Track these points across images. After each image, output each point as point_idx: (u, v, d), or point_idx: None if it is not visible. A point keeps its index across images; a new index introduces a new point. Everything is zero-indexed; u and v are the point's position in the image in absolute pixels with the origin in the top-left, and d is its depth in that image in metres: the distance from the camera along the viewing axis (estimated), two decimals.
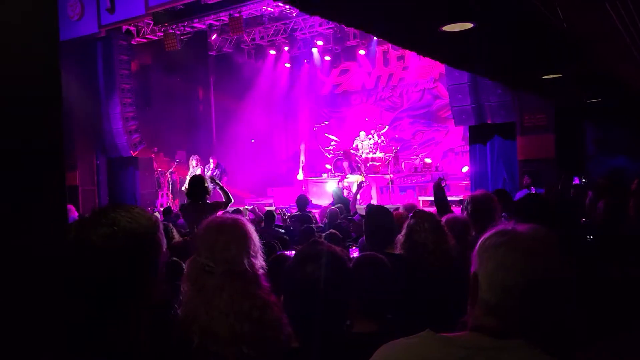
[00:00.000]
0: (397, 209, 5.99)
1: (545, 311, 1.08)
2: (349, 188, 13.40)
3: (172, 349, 1.92)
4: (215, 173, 13.08)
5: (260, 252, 2.14)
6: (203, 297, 1.97)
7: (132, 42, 13.49)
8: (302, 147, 16.86)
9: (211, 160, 13.69)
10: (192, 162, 13.31)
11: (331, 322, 1.83)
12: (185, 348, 1.89)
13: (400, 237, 3.17)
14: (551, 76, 6.77)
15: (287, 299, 1.97)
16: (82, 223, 1.23)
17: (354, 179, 13.64)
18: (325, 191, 13.65)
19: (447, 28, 4.98)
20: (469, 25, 4.93)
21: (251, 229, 2.14)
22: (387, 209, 3.58)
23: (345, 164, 14.45)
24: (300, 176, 16.56)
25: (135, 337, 1.20)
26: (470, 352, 1.04)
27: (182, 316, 1.95)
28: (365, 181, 12.87)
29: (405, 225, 3.18)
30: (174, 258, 3.10)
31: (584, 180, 8.28)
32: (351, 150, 14.80)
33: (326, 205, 9.15)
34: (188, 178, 12.72)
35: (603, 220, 4.17)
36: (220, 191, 5.94)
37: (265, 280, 2.09)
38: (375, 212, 3.52)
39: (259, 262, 2.10)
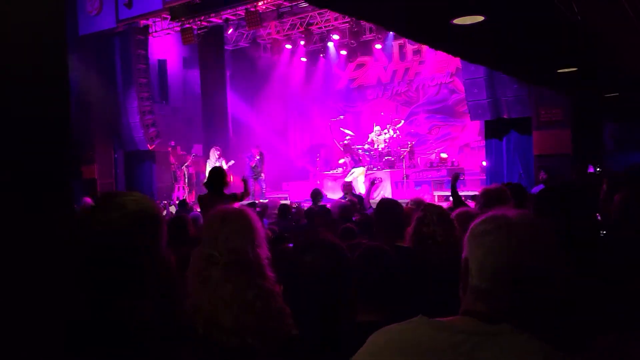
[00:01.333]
0: (406, 204, 6.03)
1: (533, 297, 1.09)
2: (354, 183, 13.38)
3: (177, 338, 1.95)
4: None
5: (265, 242, 2.15)
6: (208, 287, 1.98)
7: (149, 37, 13.63)
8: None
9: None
10: (215, 153, 13.41)
11: (331, 311, 1.87)
12: (189, 337, 1.92)
13: (409, 230, 3.20)
14: (566, 70, 6.68)
15: (286, 288, 2.01)
16: (94, 209, 1.32)
17: (358, 172, 13.56)
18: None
19: (458, 21, 4.95)
20: (480, 18, 4.89)
21: (256, 219, 2.16)
22: (397, 202, 3.63)
23: (347, 159, 14.36)
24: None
25: (143, 313, 1.26)
26: (462, 336, 1.06)
27: (187, 306, 1.97)
28: (377, 178, 12.81)
29: (414, 219, 3.21)
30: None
31: (598, 169, 8.12)
32: (358, 144, 14.72)
33: (337, 199, 9.16)
34: (208, 169, 12.92)
35: (619, 214, 4.10)
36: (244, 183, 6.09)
37: (270, 270, 2.11)
38: (386, 206, 3.58)
39: (264, 252, 2.11)
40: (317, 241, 2.12)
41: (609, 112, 10.30)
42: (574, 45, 5.69)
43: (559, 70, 6.70)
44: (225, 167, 12.84)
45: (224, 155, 13.58)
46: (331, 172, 15.03)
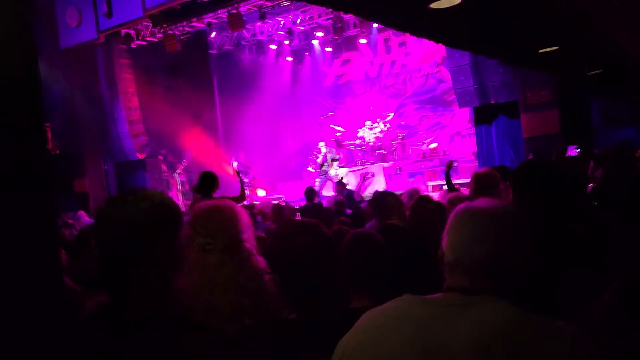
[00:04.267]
0: (400, 194, 6.09)
1: (501, 267, 1.17)
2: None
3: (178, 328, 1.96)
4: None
5: (251, 230, 2.18)
6: (204, 275, 2.00)
7: (132, 46, 13.56)
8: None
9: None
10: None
11: (322, 294, 1.86)
12: (189, 327, 1.93)
13: (408, 206, 3.43)
14: (548, 49, 6.67)
15: (275, 272, 2.01)
16: (116, 201, 1.33)
17: (341, 171, 13.36)
18: (333, 183, 13.62)
19: (435, 5, 4.93)
20: (457, 1, 4.87)
21: (240, 209, 2.20)
22: (390, 192, 3.90)
23: (340, 156, 14.15)
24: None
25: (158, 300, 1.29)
26: (443, 308, 1.14)
27: (185, 298, 2.00)
28: (369, 173, 12.77)
29: (409, 207, 3.35)
30: None
31: (578, 150, 8.17)
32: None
33: (331, 196, 9.17)
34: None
35: (601, 187, 4.16)
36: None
37: (259, 255, 2.13)
38: (380, 193, 3.88)
39: (252, 239, 2.13)
40: (300, 225, 2.14)
41: (595, 89, 10.31)
42: (552, 23, 5.68)
43: (540, 50, 6.69)
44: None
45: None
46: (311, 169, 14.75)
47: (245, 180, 13.05)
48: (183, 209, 9.62)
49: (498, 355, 1.03)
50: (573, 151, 8.13)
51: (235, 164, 13.23)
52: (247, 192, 12.97)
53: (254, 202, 12.37)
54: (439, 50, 14.57)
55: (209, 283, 1.93)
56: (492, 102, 11.22)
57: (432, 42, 11.56)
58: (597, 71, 8.22)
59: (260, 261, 2.07)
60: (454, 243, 1.21)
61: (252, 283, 1.96)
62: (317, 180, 12.67)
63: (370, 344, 1.17)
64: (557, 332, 1.07)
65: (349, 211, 6.97)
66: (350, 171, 14.48)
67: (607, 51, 7.17)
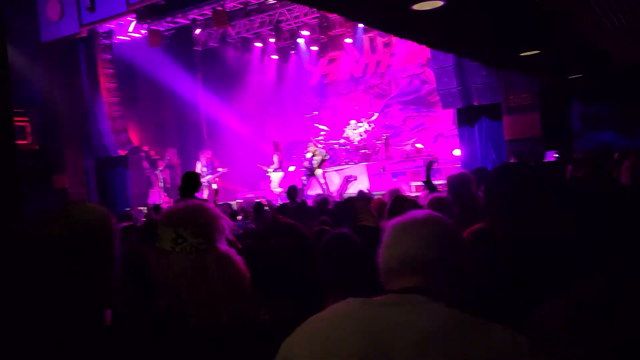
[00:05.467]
0: (382, 195, 6.13)
1: (436, 269, 1.26)
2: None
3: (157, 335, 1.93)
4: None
5: (227, 228, 2.16)
6: (177, 277, 1.97)
7: (115, 41, 13.41)
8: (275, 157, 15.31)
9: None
10: (203, 159, 13.10)
11: (300, 295, 1.85)
12: (166, 328, 1.91)
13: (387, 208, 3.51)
14: (529, 53, 6.73)
15: (252, 273, 1.99)
16: (42, 221, 1.29)
17: (277, 176, 13.12)
18: (319, 182, 13.58)
19: (418, 7, 4.94)
20: (439, 3, 4.89)
21: (215, 208, 2.16)
22: (359, 196, 3.94)
23: (275, 157, 13.57)
24: (291, 168, 16.43)
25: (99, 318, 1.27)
26: (383, 307, 1.21)
27: (160, 299, 1.97)
28: (352, 176, 12.71)
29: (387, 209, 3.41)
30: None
31: (556, 155, 8.28)
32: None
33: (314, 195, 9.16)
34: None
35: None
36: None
37: (237, 255, 2.12)
38: (349, 197, 4.07)
39: (229, 237, 2.13)
40: (279, 225, 2.12)
41: (575, 93, 10.43)
42: (534, 27, 5.72)
43: (521, 54, 6.74)
44: (208, 175, 12.70)
45: (211, 161, 13.14)
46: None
47: (211, 177, 12.94)
48: (165, 206, 9.56)
49: (438, 355, 1.09)
50: (551, 156, 8.23)
51: (199, 165, 13.06)
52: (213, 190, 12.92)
53: (238, 201, 12.34)
54: (424, 51, 14.62)
55: (182, 284, 1.92)
56: (475, 103, 11.29)
57: (416, 44, 11.61)
58: (578, 75, 8.32)
59: (238, 261, 2.06)
60: (392, 256, 1.30)
61: (227, 287, 1.94)
62: (303, 178, 12.63)
63: (313, 347, 1.22)
64: (499, 335, 1.12)
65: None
66: (335, 170, 14.48)
67: (588, 56, 7.25)
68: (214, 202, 7.57)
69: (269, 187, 13.38)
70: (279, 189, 13.02)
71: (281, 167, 13.25)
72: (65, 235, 1.23)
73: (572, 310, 1.26)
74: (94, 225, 1.28)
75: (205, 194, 12.61)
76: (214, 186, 12.12)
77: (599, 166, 4.70)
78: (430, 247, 1.27)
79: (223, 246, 2.08)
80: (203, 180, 12.69)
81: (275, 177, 13.11)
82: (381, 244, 1.36)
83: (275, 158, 13.36)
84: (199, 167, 12.87)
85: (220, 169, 13.09)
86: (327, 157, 13.04)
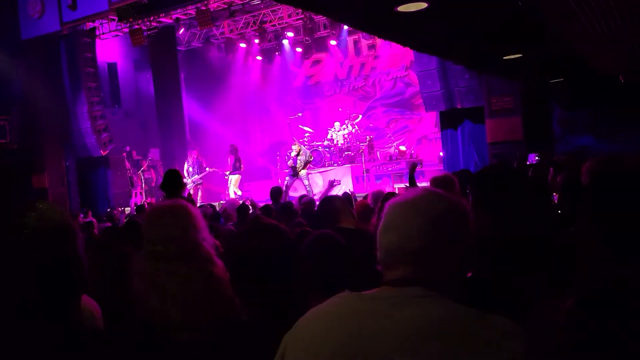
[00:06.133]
0: (365, 197, 6.14)
1: (435, 258, 1.17)
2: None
3: (134, 339, 1.90)
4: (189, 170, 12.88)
5: (207, 231, 2.12)
6: (155, 284, 1.94)
7: (97, 39, 13.24)
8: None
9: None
10: (189, 159, 12.91)
11: (281, 296, 1.84)
12: (147, 337, 1.87)
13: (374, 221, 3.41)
14: (512, 57, 6.80)
15: (235, 275, 1.97)
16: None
17: (234, 178, 12.90)
18: (302, 184, 13.56)
19: (402, 8, 4.97)
20: (424, 5, 4.92)
21: (195, 209, 2.13)
22: (337, 197, 4.03)
23: (229, 160, 13.16)
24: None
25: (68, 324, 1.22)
26: (380, 301, 1.15)
27: (139, 307, 1.92)
28: (336, 180, 12.66)
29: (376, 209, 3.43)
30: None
31: (537, 158, 8.39)
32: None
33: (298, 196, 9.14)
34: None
35: (562, 192, 4.24)
36: None
37: (217, 258, 2.08)
38: (326, 198, 3.91)
39: (209, 240, 2.07)
40: (261, 225, 2.10)
41: (556, 97, 10.58)
42: (517, 31, 5.79)
43: (504, 57, 6.81)
44: (194, 175, 12.58)
45: (198, 161, 12.91)
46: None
47: (197, 177, 12.84)
48: (147, 207, 9.42)
49: (432, 350, 1.04)
50: (533, 159, 8.34)
51: (185, 165, 12.93)
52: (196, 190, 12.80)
53: (221, 202, 12.24)
54: (408, 54, 14.70)
55: (160, 293, 1.86)
56: (459, 106, 11.39)
57: (401, 46, 11.66)
58: (559, 80, 8.43)
59: (219, 265, 2.03)
60: (388, 237, 1.20)
61: (208, 291, 1.89)
62: (286, 178, 12.58)
63: (308, 340, 1.20)
64: (499, 328, 1.07)
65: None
66: (319, 172, 14.47)
67: (569, 61, 7.35)
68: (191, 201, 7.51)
69: (227, 190, 13.12)
70: (239, 192, 12.86)
71: (238, 169, 12.97)
72: (22, 237, 1.19)
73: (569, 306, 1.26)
74: (51, 225, 1.23)
75: (199, 196, 12.56)
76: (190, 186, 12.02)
77: (575, 169, 4.77)
78: (420, 235, 1.15)
79: (203, 249, 2.05)
80: (190, 180, 12.62)
81: (233, 179, 12.94)
82: (379, 227, 1.25)
83: (229, 160, 13.03)
84: (186, 167, 12.79)
85: (208, 169, 13.01)
86: (312, 158, 12.98)
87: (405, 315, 1.10)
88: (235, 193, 12.67)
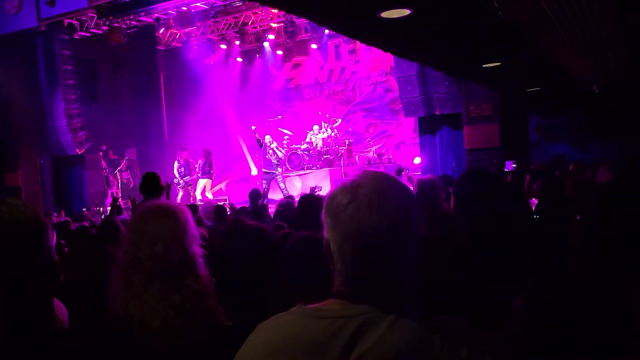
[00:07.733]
0: None
1: (380, 274, 1.03)
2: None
3: (111, 341, 1.85)
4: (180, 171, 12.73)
5: (197, 239, 2.06)
6: (132, 291, 1.89)
7: (75, 37, 13.05)
8: (242, 142, 15.50)
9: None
10: (179, 159, 12.69)
11: (263, 298, 1.83)
12: (124, 340, 1.83)
13: None
14: (491, 65, 6.92)
15: (216, 276, 1.94)
16: None
17: (203, 183, 12.78)
18: (278, 186, 13.53)
19: (386, 14, 5.01)
20: (407, 12, 4.97)
21: (187, 215, 2.06)
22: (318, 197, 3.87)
23: (200, 163, 12.95)
24: (254, 172, 16.35)
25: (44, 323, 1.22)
26: (341, 321, 1.01)
27: (116, 309, 1.89)
28: (317, 187, 12.65)
29: None
30: None
31: (514, 165, 8.57)
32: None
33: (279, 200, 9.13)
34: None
35: (539, 199, 4.34)
36: None
37: (202, 268, 2.03)
38: (308, 200, 3.89)
39: (197, 249, 2.03)
40: (244, 227, 2.08)
41: (533, 105, 10.78)
42: (497, 40, 5.89)
43: (484, 65, 6.92)
44: (186, 176, 12.44)
45: (188, 161, 12.68)
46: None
47: (188, 177, 12.73)
48: (123, 206, 9.25)
49: None
50: (510, 166, 8.49)
51: (176, 165, 12.79)
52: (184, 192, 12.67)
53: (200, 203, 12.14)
54: (388, 59, 14.82)
55: (137, 299, 1.81)
56: (437, 113, 11.53)
57: (381, 52, 11.75)
58: (536, 88, 8.60)
59: (203, 275, 1.98)
60: (343, 250, 1.04)
61: (187, 304, 1.82)
62: (264, 182, 12.54)
63: None
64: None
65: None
66: (297, 175, 14.48)
67: (546, 70, 7.51)
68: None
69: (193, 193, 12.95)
70: (210, 196, 12.73)
71: (207, 173, 12.75)
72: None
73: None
74: (22, 221, 1.22)
75: (179, 196, 12.39)
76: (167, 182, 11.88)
77: (551, 176, 4.88)
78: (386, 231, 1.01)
79: (189, 260, 2.01)
80: (182, 180, 12.49)
81: (201, 183, 12.77)
82: (326, 225, 1.10)
83: (199, 163, 12.83)
84: (176, 167, 12.64)
85: (199, 175, 12.85)
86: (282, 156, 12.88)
87: (372, 344, 0.99)
88: (205, 197, 12.53)
